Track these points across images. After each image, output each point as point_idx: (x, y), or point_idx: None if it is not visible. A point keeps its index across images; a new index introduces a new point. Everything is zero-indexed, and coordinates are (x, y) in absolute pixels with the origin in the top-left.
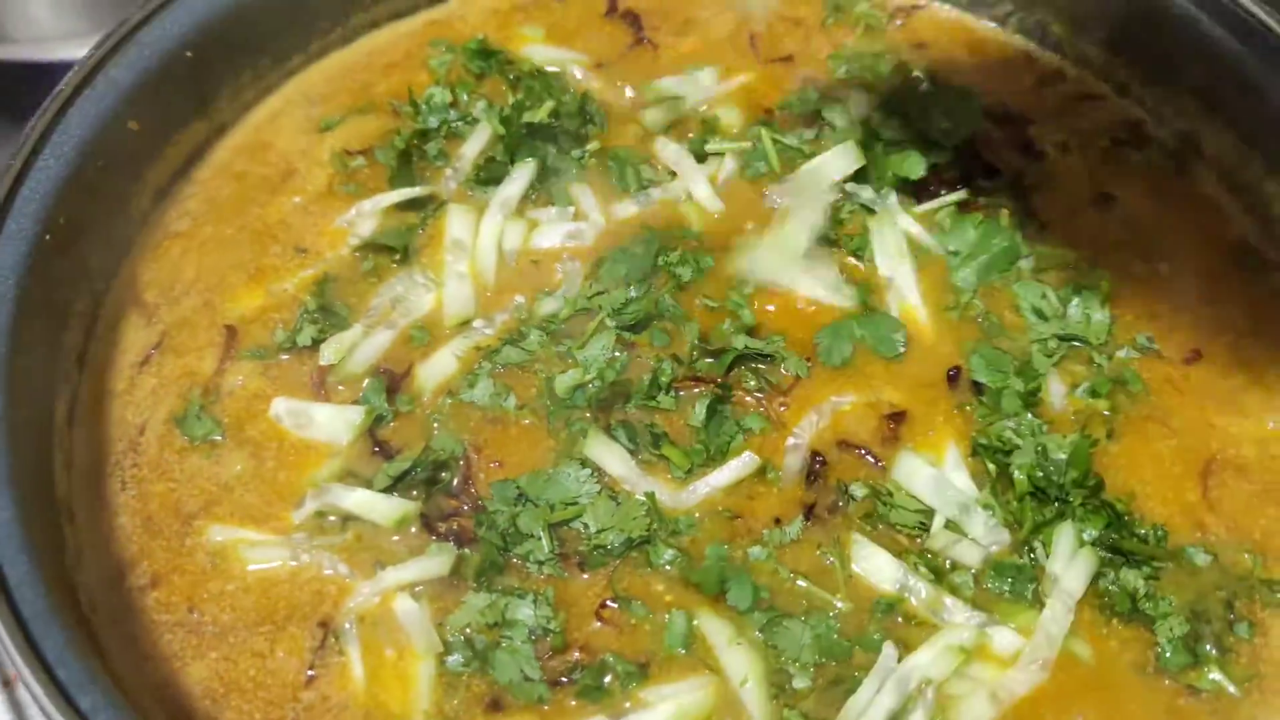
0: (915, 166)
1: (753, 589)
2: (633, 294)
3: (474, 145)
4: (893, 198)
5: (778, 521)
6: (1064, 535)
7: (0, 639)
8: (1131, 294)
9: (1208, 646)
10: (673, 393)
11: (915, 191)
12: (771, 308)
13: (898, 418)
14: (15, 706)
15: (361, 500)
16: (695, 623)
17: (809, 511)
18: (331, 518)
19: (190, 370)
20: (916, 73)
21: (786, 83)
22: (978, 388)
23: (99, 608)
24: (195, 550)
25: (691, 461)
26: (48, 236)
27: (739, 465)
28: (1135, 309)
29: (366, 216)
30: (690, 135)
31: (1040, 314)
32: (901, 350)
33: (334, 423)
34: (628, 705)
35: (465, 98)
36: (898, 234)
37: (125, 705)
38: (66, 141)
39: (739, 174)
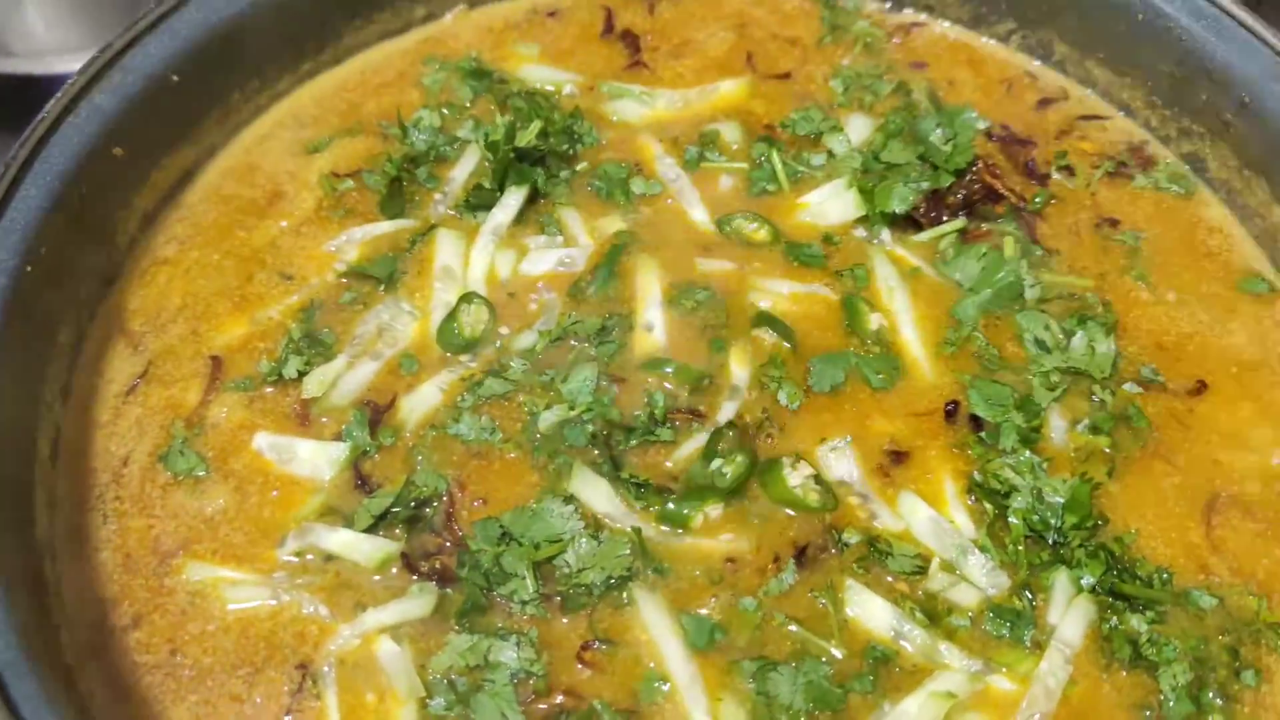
0: (900, 199)
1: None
2: (610, 322)
3: (463, 169)
4: (885, 232)
5: (776, 561)
6: (1060, 583)
7: None
8: (1136, 323)
9: (1211, 694)
10: (669, 424)
11: (915, 219)
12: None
13: (899, 456)
14: None
15: (344, 541)
16: (667, 684)
17: (800, 554)
18: (311, 556)
19: (175, 402)
20: (916, 93)
21: (784, 101)
22: (977, 422)
23: (81, 649)
24: (175, 589)
25: (690, 505)
26: (29, 268)
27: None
28: (1140, 340)
29: (355, 244)
30: (687, 149)
31: (1043, 346)
32: (888, 384)
33: (317, 458)
34: None
35: (455, 118)
36: (889, 267)
37: None
38: (48, 171)
39: (746, 192)
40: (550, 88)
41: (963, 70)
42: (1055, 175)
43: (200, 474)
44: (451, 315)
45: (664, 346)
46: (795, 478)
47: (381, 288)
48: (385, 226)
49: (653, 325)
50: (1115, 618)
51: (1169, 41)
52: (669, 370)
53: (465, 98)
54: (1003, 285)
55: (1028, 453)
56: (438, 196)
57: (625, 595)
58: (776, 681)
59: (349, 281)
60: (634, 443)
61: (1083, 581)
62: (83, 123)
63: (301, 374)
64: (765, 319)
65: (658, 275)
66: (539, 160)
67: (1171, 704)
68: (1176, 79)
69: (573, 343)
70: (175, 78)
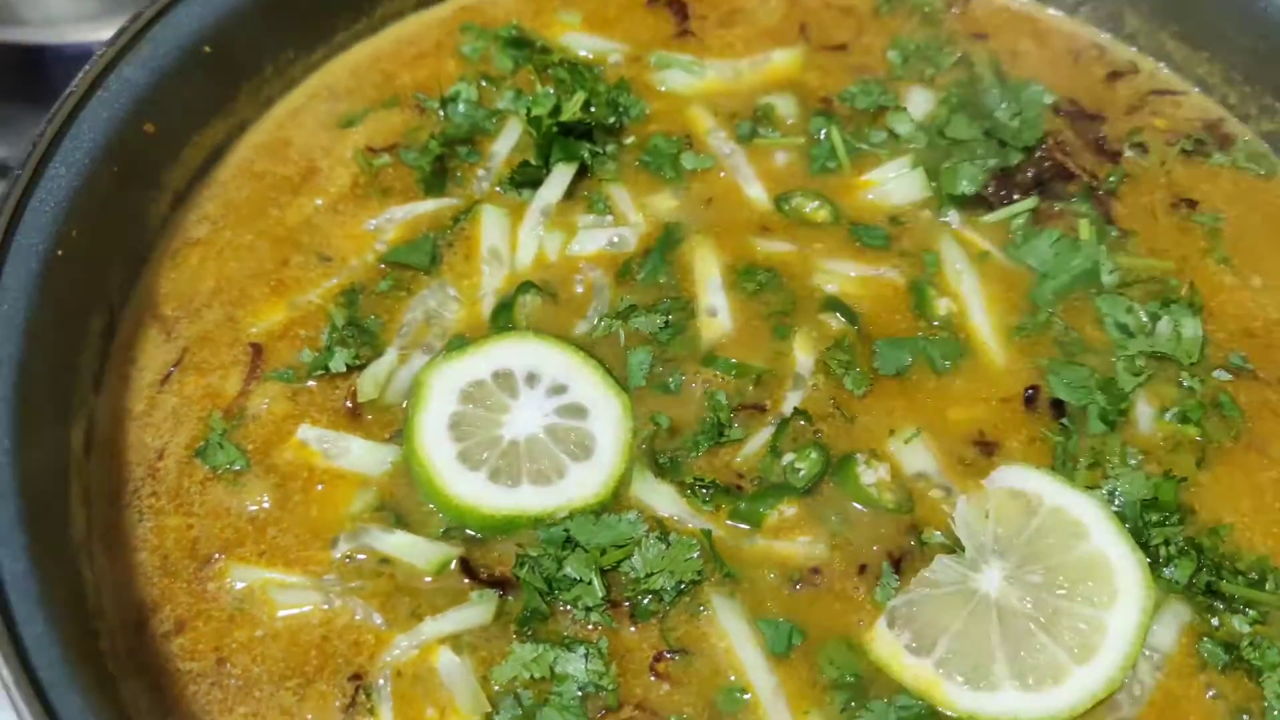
0: (969, 180)
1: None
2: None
3: (505, 143)
4: (953, 213)
5: (862, 571)
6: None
7: (16, 706)
8: (1222, 308)
9: None
10: (733, 422)
11: (984, 198)
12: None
13: (988, 448)
14: None
15: (401, 543)
16: (748, 694)
17: (896, 564)
18: (364, 557)
19: (213, 391)
20: (978, 65)
21: (840, 74)
22: (1058, 408)
23: (122, 656)
24: (219, 594)
25: (764, 504)
26: (59, 251)
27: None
28: (1227, 326)
29: (396, 224)
30: (739, 124)
31: (1126, 330)
32: (952, 367)
33: (370, 456)
34: None
35: (494, 90)
36: (958, 249)
37: None
38: (78, 148)
39: (804, 169)
40: (593, 57)
41: (1027, 41)
42: (1128, 153)
43: (239, 468)
44: (508, 305)
45: (729, 332)
46: (869, 475)
47: (424, 273)
48: (427, 205)
49: (716, 310)
50: (1216, 618)
51: (1253, 14)
52: (732, 364)
53: (505, 68)
54: (1080, 270)
55: (1116, 441)
56: (480, 173)
57: (700, 603)
58: (869, 716)
59: (388, 269)
60: (701, 451)
61: (1166, 573)
62: (112, 97)
63: (350, 367)
64: (834, 303)
65: (715, 256)
66: (584, 134)
67: (1276, 713)
68: (1259, 54)
69: (635, 326)
70: (207, 49)
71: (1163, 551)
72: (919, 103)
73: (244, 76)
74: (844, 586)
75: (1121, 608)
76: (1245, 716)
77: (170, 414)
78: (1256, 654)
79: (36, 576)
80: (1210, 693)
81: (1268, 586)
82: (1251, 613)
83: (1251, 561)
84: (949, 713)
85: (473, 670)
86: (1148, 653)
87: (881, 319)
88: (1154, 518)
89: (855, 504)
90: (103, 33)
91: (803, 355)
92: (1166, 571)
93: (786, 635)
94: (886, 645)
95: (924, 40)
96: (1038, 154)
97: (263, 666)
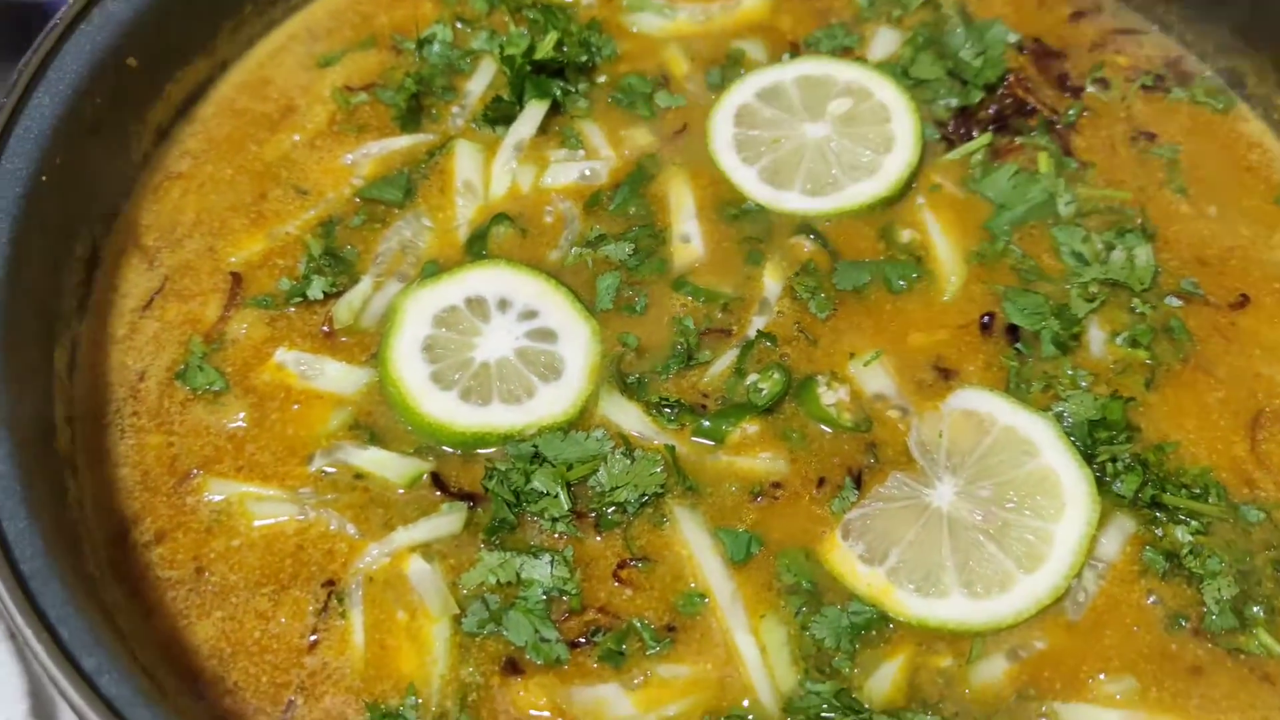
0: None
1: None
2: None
3: (479, 81)
4: None
5: (821, 484)
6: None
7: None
8: (1177, 237)
9: (1255, 608)
10: (700, 346)
11: (946, 136)
12: None
13: (947, 374)
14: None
15: (374, 458)
16: (706, 599)
17: (857, 478)
18: (337, 471)
19: (193, 316)
20: (945, 6)
21: (809, 18)
22: (1014, 333)
23: (104, 563)
24: (198, 507)
25: (727, 421)
26: (44, 178)
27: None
28: (1181, 254)
29: (372, 158)
30: (709, 71)
31: (1081, 258)
32: (908, 287)
33: (346, 378)
34: (645, 673)
35: (469, 31)
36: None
37: (130, 666)
38: (62, 79)
39: None
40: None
41: None
42: (1090, 88)
43: (218, 388)
44: (482, 235)
45: (701, 257)
46: (830, 396)
47: (398, 208)
48: (403, 141)
49: (690, 236)
50: (1160, 529)
51: None
52: (700, 289)
53: (480, 10)
54: (1036, 202)
55: (1068, 365)
56: (455, 110)
57: (663, 514)
58: (824, 622)
59: (362, 203)
60: (669, 375)
61: (1115, 488)
62: (95, 30)
63: (327, 294)
64: (805, 226)
65: (690, 188)
66: (557, 73)
67: (1214, 617)
68: None
69: (604, 254)
70: None
71: (1110, 468)
72: (885, 43)
73: (225, 16)
74: (803, 499)
75: (1068, 520)
76: (1182, 620)
77: (152, 338)
78: (1197, 562)
79: (21, 480)
80: (1151, 599)
81: (1210, 499)
82: (1194, 524)
83: (1195, 475)
84: (899, 618)
85: (442, 576)
86: (1094, 562)
87: (851, 245)
88: (1102, 436)
89: (816, 423)
90: None
91: (771, 281)
92: (1115, 486)
93: (745, 544)
94: (841, 555)
95: None
96: (999, 91)
97: (239, 574)
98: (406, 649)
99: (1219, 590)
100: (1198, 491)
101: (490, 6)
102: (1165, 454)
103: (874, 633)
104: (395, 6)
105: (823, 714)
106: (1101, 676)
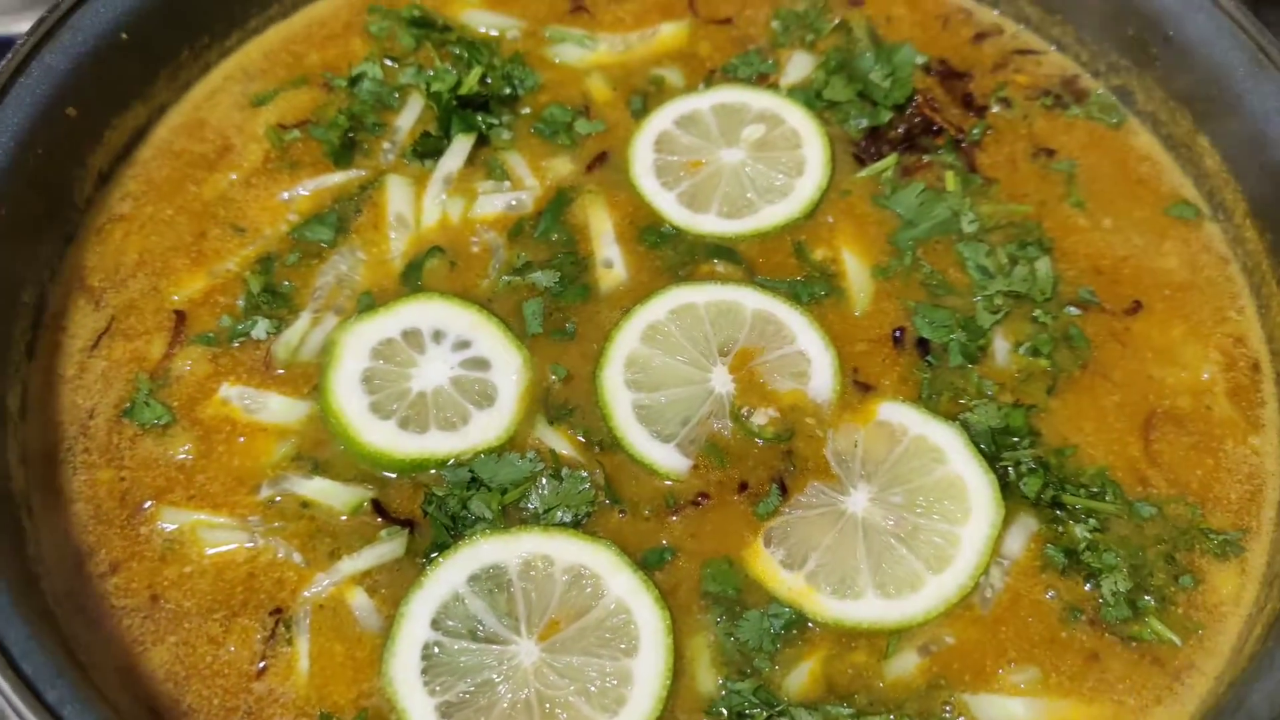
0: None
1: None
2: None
3: (408, 117)
4: None
5: (743, 489)
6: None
7: None
8: (1075, 248)
9: (1147, 598)
10: None
11: (857, 156)
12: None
13: (866, 389)
14: None
15: (319, 488)
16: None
17: (781, 484)
18: (282, 500)
19: (139, 354)
20: (856, 30)
21: (726, 45)
22: (923, 346)
23: (61, 597)
24: (151, 537)
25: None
26: None
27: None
28: (1078, 264)
29: (308, 196)
30: (631, 99)
31: (986, 271)
32: (817, 301)
33: (288, 411)
34: None
35: (398, 67)
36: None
37: (92, 697)
38: (4, 131)
39: None
40: (494, 32)
41: (900, 7)
42: (994, 107)
43: (165, 422)
44: (417, 266)
45: (625, 281)
46: (761, 418)
47: (329, 246)
48: (336, 177)
49: (612, 261)
50: (1060, 527)
51: None
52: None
53: (408, 46)
54: (940, 219)
55: (975, 375)
56: (385, 145)
57: (594, 530)
58: (746, 626)
59: (296, 242)
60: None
61: (1020, 488)
62: (34, 83)
63: (271, 335)
64: (720, 250)
65: (608, 213)
66: (482, 106)
67: (1110, 608)
68: (1104, 15)
69: (531, 281)
70: (125, 36)
71: (1014, 471)
72: (799, 67)
73: (162, 62)
74: (727, 507)
75: (974, 523)
76: (1078, 613)
77: (100, 377)
78: (1094, 557)
79: None
80: (1050, 594)
81: (1107, 498)
82: (1092, 521)
83: (1093, 475)
84: (818, 619)
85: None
86: (1000, 559)
87: (768, 264)
88: (1006, 442)
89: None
90: (25, 25)
91: None
92: (1020, 486)
93: (659, 555)
94: (763, 561)
95: (805, 8)
96: (908, 111)
97: (192, 600)
98: (349, 676)
99: (1115, 583)
100: (1095, 490)
101: (416, 43)
102: (1065, 457)
103: (794, 632)
104: (327, 45)
105: (745, 711)
106: (1007, 668)
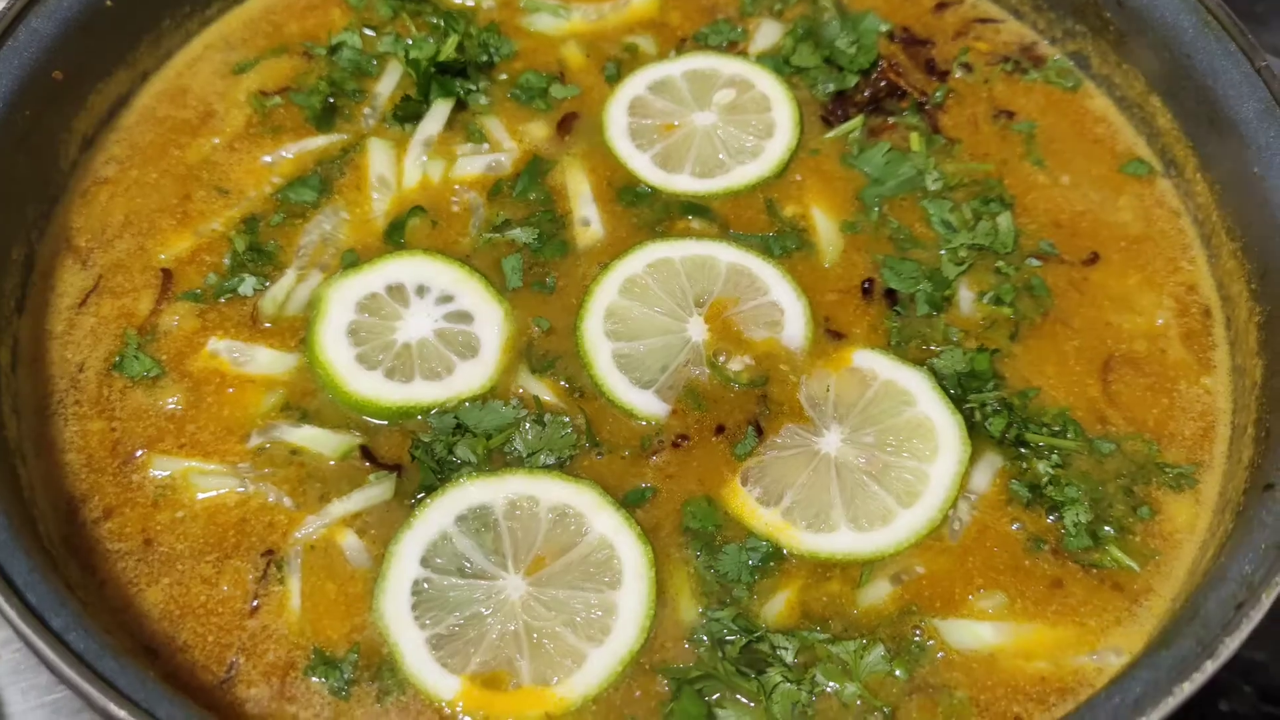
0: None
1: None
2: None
3: (387, 83)
4: None
5: (720, 431)
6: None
7: None
8: (1035, 204)
9: (1107, 528)
10: None
11: (825, 118)
12: None
13: (837, 336)
14: None
15: (308, 435)
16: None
17: (758, 427)
18: (273, 448)
19: (127, 311)
20: (822, 1)
21: (697, 15)
22: (892, 297)
23: (57, 541)
24: (143, 484)
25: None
26: None
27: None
28: (1039, 219)
29: (290, 158)
30: (606, 65)
31: (950, 226)
32: (786, 255)
33: (276, 363)
34: None
35: (375, 37)
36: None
37: (94, 626)
38: None
39: None
40: (470, 2)
41: None
42: (956, 72)
43: (155, 374)
44: (399, 226)
45: (602, 238)
46: (736, 364)
47: (315, 205)
48: (319, 141)
49: (589, 220)
50: (1024, 463)
51: None
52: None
53: (385, 16)
54: (905, 178)
55: (941, 323)
56: (366, 110)
57: (576, 471)
58: (725, 559)
59: (280, 203)
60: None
61: (985, 428)
62: (22, 46)
63: (258, 291)
64: (693, 207)
65: (585, 175)
66: (459, 72)
67: (1072, 538)
68: None
69: (510, 238)
70: (109, 2)
71: (979, 412)
72: (768, 35)
73: (144, 30)
74: (706, 449)
75: (942, 460)
76: (1042, 544)
77: (89, 333)
78: (1057, 490)
79: None
80: (1015, 525)
81: (1068, 436)
82: (1054, 457)
83: (1054, 415)
84: (794, 551)
85: (368, 549)
86: (967, 494)
87: (740, 220)
88: (972, 385)
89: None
90: None
91: None
92: (986, 426)
93: (640, 494)
94: (741, 499)
95: None
96: (873, 75)
97: (185, 543)
98: (341, 612)
99: (1076, 515)
100: (1057, 429)
101: (394, 13)
102: (1028, 398)
103: (771, 564)
104: (306, 15)
105: (724, 638)
106: (975, 594)
